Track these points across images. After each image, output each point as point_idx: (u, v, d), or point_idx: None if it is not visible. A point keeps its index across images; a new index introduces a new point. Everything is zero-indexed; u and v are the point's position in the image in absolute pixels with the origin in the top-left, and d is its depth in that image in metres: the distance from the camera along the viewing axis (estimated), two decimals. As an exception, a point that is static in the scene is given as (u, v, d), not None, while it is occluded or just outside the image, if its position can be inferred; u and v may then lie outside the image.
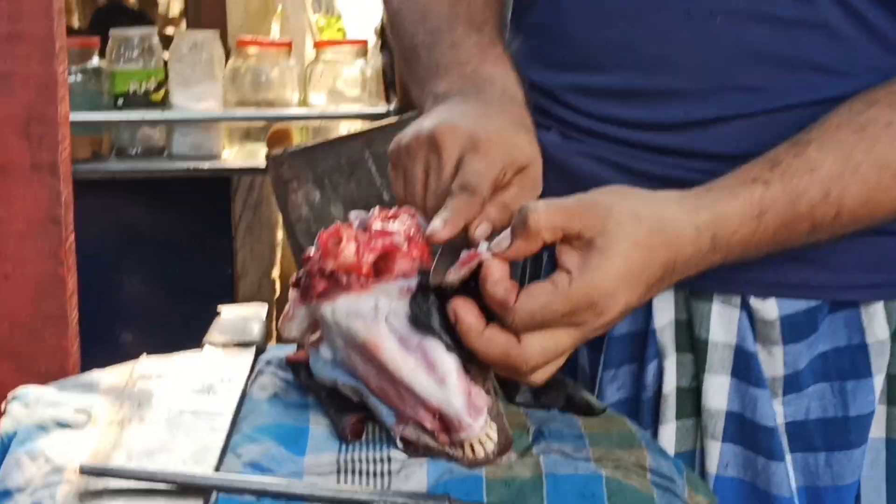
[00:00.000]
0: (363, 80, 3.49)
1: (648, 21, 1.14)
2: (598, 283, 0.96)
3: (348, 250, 1.00)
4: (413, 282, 0.99)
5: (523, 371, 0.97)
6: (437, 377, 0.97)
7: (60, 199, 1.34)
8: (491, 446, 0.98)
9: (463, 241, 1.02)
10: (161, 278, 3.46)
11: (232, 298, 3.35)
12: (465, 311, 0.96)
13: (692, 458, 1.19)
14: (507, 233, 0.99)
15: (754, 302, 1.16)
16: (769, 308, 1.15)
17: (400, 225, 1.03)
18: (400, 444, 0.99)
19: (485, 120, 1.10)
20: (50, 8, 1.31)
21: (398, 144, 1.12)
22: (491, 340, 0.96)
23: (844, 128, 1.04)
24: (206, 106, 3.34)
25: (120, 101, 3.34)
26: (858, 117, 1.04)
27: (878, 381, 1.16)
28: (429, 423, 0.98)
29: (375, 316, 0.98)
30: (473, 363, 0.98)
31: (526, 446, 1.01)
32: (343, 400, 1.04)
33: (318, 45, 3.50)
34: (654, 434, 1.18)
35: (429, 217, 1.05)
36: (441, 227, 1.02)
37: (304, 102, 3.47)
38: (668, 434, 1.18)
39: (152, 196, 3.41)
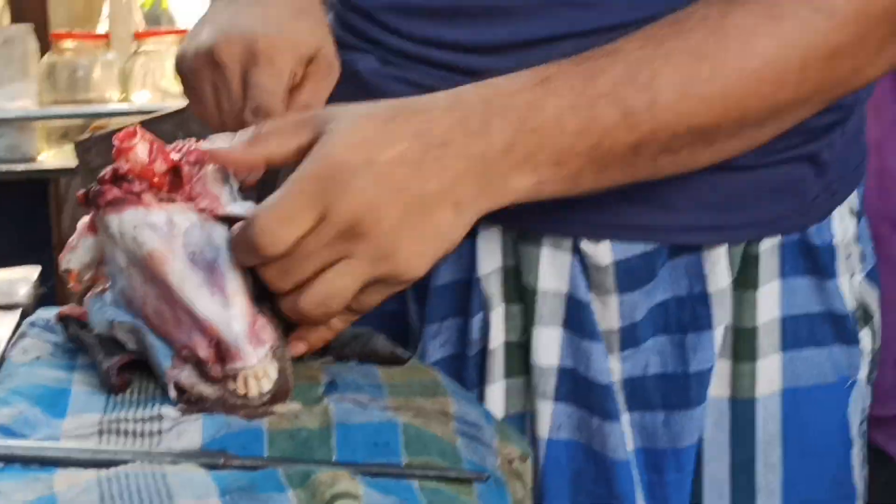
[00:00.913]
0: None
1: None
2: (324, 157, 0.86)
3: (140, 149, 0.92)
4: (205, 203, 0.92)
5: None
6: (221, 298, 0.89)
7: None
8: (267, 385, 0.88)
9: None
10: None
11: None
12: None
13: (522, 421, 1.10)
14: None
15: (586, 246, 1.06)
16: (603, 252, 1.06)
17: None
18: (173, 393, 0.89)
19: (261, 16, 1.05)
20: None
21: (182, 62, 1.06)
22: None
23: (656, 25, 0.94)
24: (21, 105, 3.20)
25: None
26: (674, 15, 0.94)
27: (718, 333, 1.07)
28: (203, 350, 0.89)
29: (168, 229, 0.91)
30: (267, 304, 0.90)
31: (316, 398, 0.92)
32: (116, 346, 0.93)
33: (139, 36, 3.38)
34: (481, 395, 1.09)
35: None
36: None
37: (126, 100, 3.34)
38: (496, 394, 1.09)
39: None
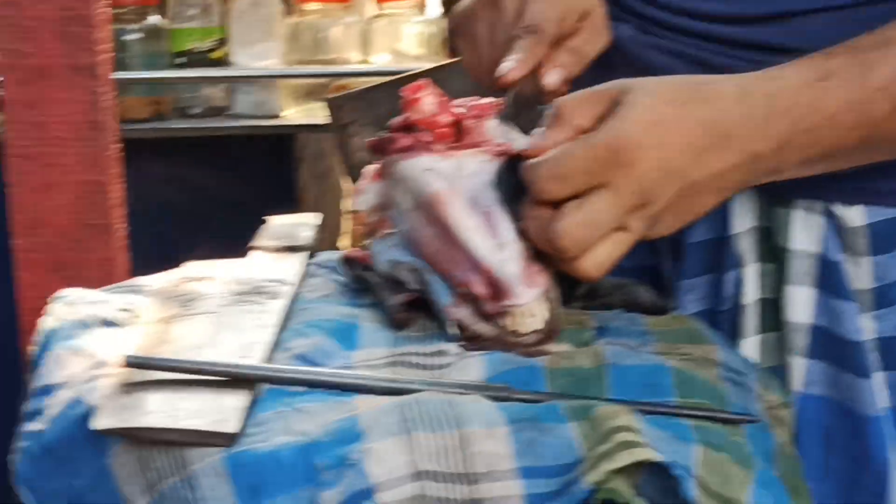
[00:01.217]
0: (427, 38, 3.44)
1: None
2: (620, 132, 0.89)
3: (428, 101, 1.00)
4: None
5: (567, 247, 0.90)
6: (497, 241, 0.94)
7: (100, 102, 1.29)
8: (539, 322, 0.93)
9: (534, 94, 0.99)
10: (224, 240, 3.42)
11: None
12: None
13: (776, 374, 1.11)
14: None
15: (839, 209, 1.08)
16: (855, 215, 1.08)
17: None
18: (453, 329, 0.95)
19: None
20: None
21: (458, 12, 1.12)
22: (534, 217, 0.93)
23: None
24: (267, 64, 3.30)
25: (180, 60, 3.31)
26: None
27: None
28: (479, 287, 0.94)
29: (454, 175, 0.97)
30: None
31: (586, 340, 0.97)
32: (398, 286, 1.00)
33: (380, 0, 3.45)
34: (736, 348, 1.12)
35: (505, 73, 1.04)
36: (511, 66, 1.01)
37: (366, 62, 3.41)
38: (750, 348, 1.12)
39: (215, 156, 3.37)
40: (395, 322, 0.98)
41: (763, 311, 1.11)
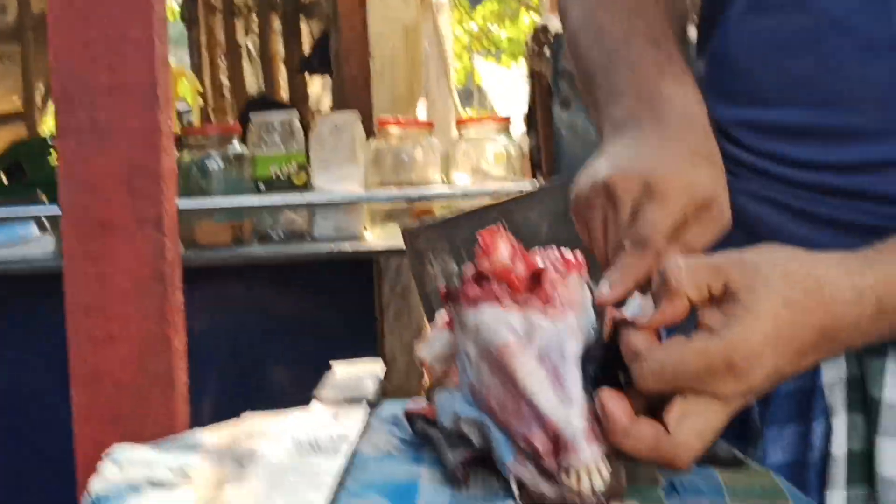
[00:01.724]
0: (507, 158, 3.43)
1: (826, 51, 1.06)
2: (739, 343, 0.87)
3: (502, 250, 0.97)
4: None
5: (677, 464, 0.89)
6: (563, 396, 0.91)
7: (165, 254, 1.28)
8: (600, 483, 0.89)
9: None
10: (306, 364, 3.41)
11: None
12: (613, 405, 0.88)
13: None
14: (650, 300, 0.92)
15: None
16: None
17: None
18: (514, 485, 0.91)
19: (661, 155, 1.02)
20: (152, 57, 1.26)
21: (577, 194, 1.05)
22: (639, 436, 0.88)
23: None
24: (348, 188, 3.32)
25: (262, 186, 3.34)
26: None
27: None
28: (540, 442, 0.90)
29: (524, 330, 0.94)
30: None
31: (656, 499, 0.92)
32: (461, 441, 0.96)
33: (461, 123, 3.46)
34: (821, 502, 1.07)
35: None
36: (608, 290, 0.95)
37: (447, 182, 3.42)
38: (837, 502, 1.07)
39: (295, 280, 3.38)
40: (456, 480, 0.94)
41: (851, 463, 1.06)
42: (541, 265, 0.97)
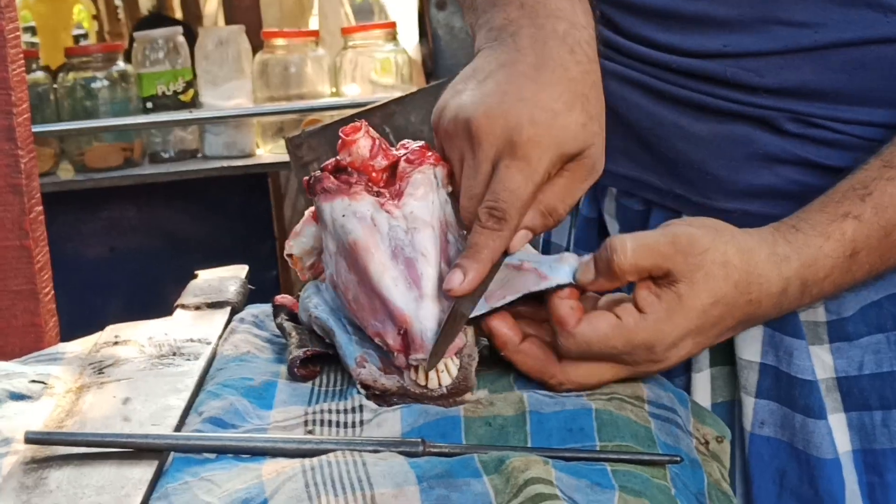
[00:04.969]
0: (395, 66, 3.42)
1: None
2: (665, 333, 0.92)
3: (363, 144, 0.97)
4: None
5: (556, 389, 0.94)
6: (416, 294, 0.92)
7: (20, 166, 1.26)
8: (447, 379, 0.91)
9: None
10: (206, 282, 3.40)
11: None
12: (500, 324, 0.93)
13: (731, 409, 1.10)
14: (590, 261, 0.93)
15: None
16: None
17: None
18: (360, 389, 0.92)
19: (532, 98, 0.96)
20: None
21: (440, 120, 0.99)
22: (528, 354, 0.94)
23: None
24: (236, 103, 3.29)
25: (149, 105, 3.30)
26: None
27: None
28: (392, 338, 0.92)
29: (374, 221, 0.94)
30: (464, 312, 0.93)
31: (507, 385, 0.94)
32: (315, 337, 0.97)
33: (346, 32, 3.43)
34: (688, 382, 1.10)
35: (462, 214, 0.97)
36: (459, 283, 0.92)
37: (337, 94, 3.40)
38: (702, 382, 1.09)
39: (190, 199, 3.36)
40: (293, 377, 0.95)
41: (715, 346, 1.08)
42: (407, 157, 0.98)
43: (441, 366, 0.90)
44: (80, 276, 3.22)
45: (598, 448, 0.85)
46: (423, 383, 0.91)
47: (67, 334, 1.21)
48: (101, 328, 1.09)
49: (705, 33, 1.05)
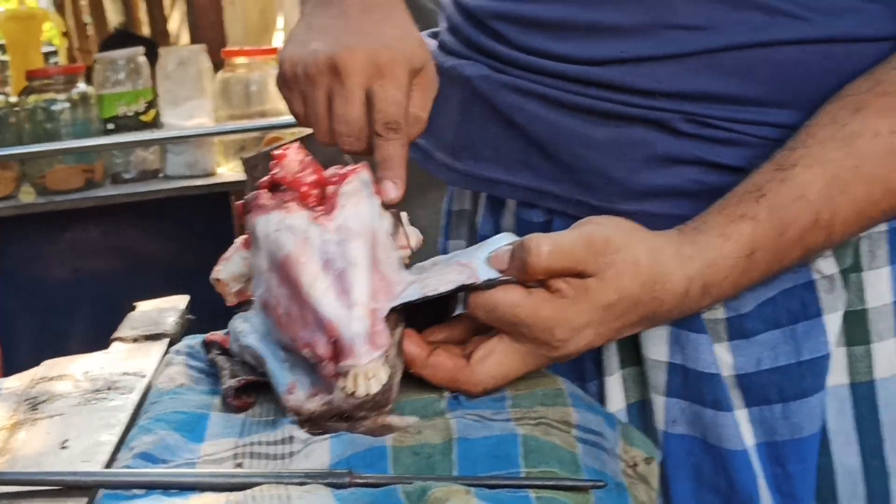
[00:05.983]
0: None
1: None
2: (567, 317, 0.94)
3: (292, 158, 0.99)
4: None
5: (470, 393, 0.97)
6: (345, 301, 0.93)
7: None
8: (375, 387, 0.91)
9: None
10: (170, 301, 3.40)
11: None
12: (408, 343, 0.96)
13: (644, 410, 1.11)
14: (506, 251, 0.96)
15: None
16: None
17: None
18: (290, 415, 0.93)
19: (375, 30, 1.10)
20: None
21: (290, 68, 1.10)
22: (436, 367, 0.97)
23: (829, 143, 0.98)
24: (197, 123, 3.30)
25: (110, 126, 3.31)
26: (843, 129, 0.98)
27: (833, 320, 1.06)
28: (321, 348, 0.93)
29: (306, 234, 0.95)
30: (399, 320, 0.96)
31: (438, 412, 0.95)
32: (247, 368, 0.98)
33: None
34: (601, 386, 1.11)
35: (341, 143, 1.07)
36: (394, 190, 1.02)
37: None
38: (615, 385, 1.11)
39: (152, 219, 3.36)
40: (228, 408, 0.96)
41: (622, 347, 1.10)
42: (332, 176, 0.99)
43: (370, 372, 0.91)
44: (44, 299, 3.22)
45: (523, 474, 0.86)
46: (351, 391, 0.91)
47: (34, 358, 1.21)
48: (66, 352, 1.11)
49: (601, 41, 1.07)
